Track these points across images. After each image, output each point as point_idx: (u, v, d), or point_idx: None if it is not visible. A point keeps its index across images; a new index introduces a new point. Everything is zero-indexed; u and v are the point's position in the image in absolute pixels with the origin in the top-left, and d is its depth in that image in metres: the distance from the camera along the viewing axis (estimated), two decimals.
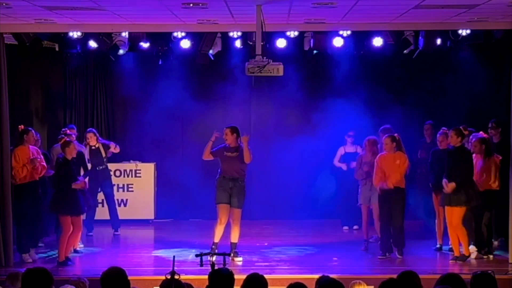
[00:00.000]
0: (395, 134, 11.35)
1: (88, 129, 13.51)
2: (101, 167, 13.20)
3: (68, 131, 12.09)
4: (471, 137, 11.48)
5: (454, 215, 10.88)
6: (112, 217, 13.52)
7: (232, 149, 11.27)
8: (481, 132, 11.71)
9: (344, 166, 13.48)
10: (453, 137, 10.99)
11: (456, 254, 11.00)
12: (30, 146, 11.22)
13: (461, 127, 11.20)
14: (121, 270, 5.88)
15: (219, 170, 11.32)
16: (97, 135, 13.35)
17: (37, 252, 11.44)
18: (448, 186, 10.83)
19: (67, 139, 11.30)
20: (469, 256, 10.97)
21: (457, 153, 10.96)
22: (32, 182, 11.16)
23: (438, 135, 11.85)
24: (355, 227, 13.69)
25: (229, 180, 11.19)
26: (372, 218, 11.83)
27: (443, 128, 11.99)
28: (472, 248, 11.13)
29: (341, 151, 13.59)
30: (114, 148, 13.39)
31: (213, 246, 11.10)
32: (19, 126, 11.35)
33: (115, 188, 14.29)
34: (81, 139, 13.39)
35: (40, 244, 11.89)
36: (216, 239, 11.24)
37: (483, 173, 11.13)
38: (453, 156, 10.99)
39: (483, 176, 11.13)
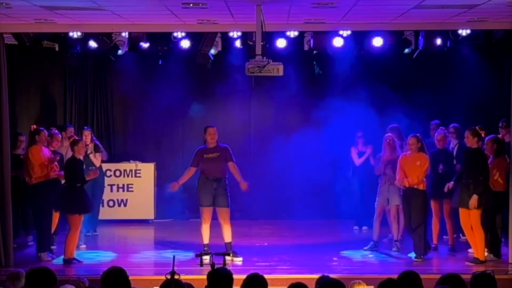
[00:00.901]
0: (417, 135, 11.21)
1: (85, 127, 13.41)
2: (93, 167, 13.02)
3: (54, 130, 12.02)
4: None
5: (472, 217, 10.68)
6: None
7: (211, 150, 11.26)
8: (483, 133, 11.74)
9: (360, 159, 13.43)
10: (469, 137, 10.80)
11: (476, 255, 10.79)
12: (43, 146, 11.23)
13: (477, 127, 11.02)
14: (121, 270, 5.88)
15: (200, 172, 11.33)
16: (92, 134, 13.25)
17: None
18: (471, 202, 10.57)
19: (76, 138, 11.32)
20: (484, 262, 10.68)
21: (475, 155, 10.78)
22: (47, 181, 11.17)
23: (436, 134, 11.86)
24: (365, 228, 13.68)
25: (213, 181, 11.19)
26: (386, 219, 11.82)
27: (442, 127, 12.02)
28: (487, 255, 10.98)
29: (355, 150, 13.50)
30: (101, 155, 13.10)
31: (205, 248, 11.10)
32: (32, 126, 11.40)
33: (114, 188, 14.30)
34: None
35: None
36: (206, 240, 11.26)
37: (492, 173, 11.00)
38: (470, 158, 10.82)
39: (493, 176, 10.99)
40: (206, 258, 7.90)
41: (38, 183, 11.10)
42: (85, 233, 12.98)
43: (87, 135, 12.94)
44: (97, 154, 13.00)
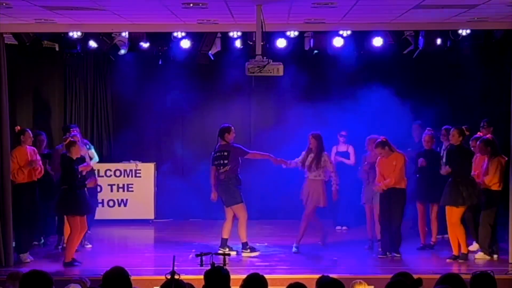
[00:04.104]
0: (381, 137, 11.30)
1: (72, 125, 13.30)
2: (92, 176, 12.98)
3: (73, 131, 12.05)
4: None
5: (453, 214, 10.92)
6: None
7: None
8: (479, 133, 11.79)
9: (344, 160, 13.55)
10: (455, 135, 11.02)
11: (455, 253, 11.03)
12: (28, 146, 11.22)
13: (463, 127, 11.18)
14: (123, 270, 5.87)
15: (232, 170, 11.40)
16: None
17: (31, 253, 11.39)
18: (443, 170, 10.98)
19: (72, 139, 11.31)
20: (468, 253, 10.99)
21: (457, 152, 10.99)
22: (30, 182, 11.17)
23: (424, 135, 11.96)
24: (344, 228, 13.78)
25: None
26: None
27: (429, 128, 12.08)
28: (475, 245, 11.22)
29: (333, 150, 13.71)
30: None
31: (248, 246, 11.43)
32: (16, 127, 11.36)
33: (114, 188, 14.29)
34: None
35: (35, 242, 11.88)
36: (245, 238, 11.49)
37: (486, 173, 11.13)
38: (454, 155, 11.02)
39: (485, 175, 11.12)
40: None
41: (21, 184, 11.07)
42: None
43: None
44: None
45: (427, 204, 11.97)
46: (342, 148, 13.73)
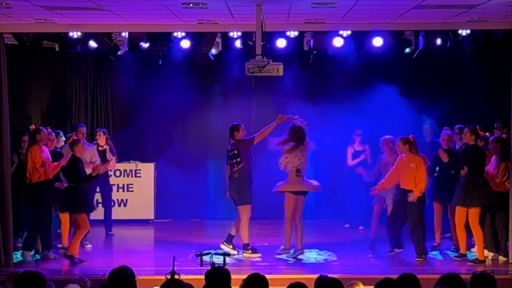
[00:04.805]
0: (410, 136, 11.11)
1: (98, 129, 13.36)
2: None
3: (49, 129, 12.03)
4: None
5: (471, 216, 10.73)
6: (107, 218, 13.42)
7: None
8: (487, 133, 11.75)
9: (362, 171, 13.38)
10: (467, 134, 10.89)
11: (462, 251, 10.97)
12: (43, 146, 11.24)
13: (477, 127, 11.09)
14: (129, 269, 5.86)
15: (245, 168, 11.35)
16: (107, 135, 13.22)
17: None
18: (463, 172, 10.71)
19: (75, 137, 11.32)
20: (484, 261, 10.79)
21: (472, 152, 10.86)
22: (46, 181, 11.16)
23: (442, 134, 11.78)
24: (360, 227, 13.72)
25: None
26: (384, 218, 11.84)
27: (446, 128, 12.01)
28: (486, 252, 11.03)
29: (350, 150, 13.62)
30: (112, 159, 13.14)
31: (250, 247, 11.32)
32: (30, 126, 11.41)
33: (114, 188, 14.30)
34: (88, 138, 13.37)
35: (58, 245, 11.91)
36: (248, 239, 11.39)
37: (496, 173, 11.01)
38: (468, 155, 10.89)
39: (496, 176, 11.01)
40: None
41: (38, 183, 11.10)
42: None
43: (100, 136, 12.88)
44: (114, 157, 13.05)
45: (445, 204, 11.62)
46: (359, 147, 13.59)
